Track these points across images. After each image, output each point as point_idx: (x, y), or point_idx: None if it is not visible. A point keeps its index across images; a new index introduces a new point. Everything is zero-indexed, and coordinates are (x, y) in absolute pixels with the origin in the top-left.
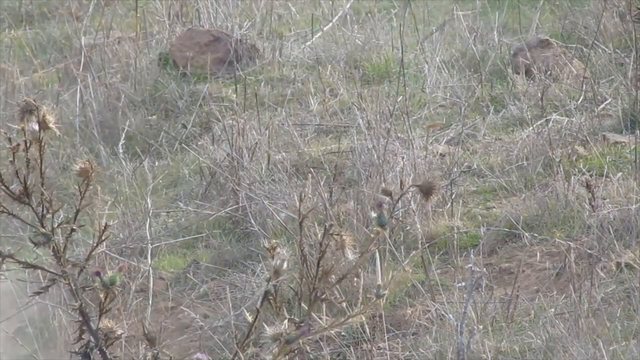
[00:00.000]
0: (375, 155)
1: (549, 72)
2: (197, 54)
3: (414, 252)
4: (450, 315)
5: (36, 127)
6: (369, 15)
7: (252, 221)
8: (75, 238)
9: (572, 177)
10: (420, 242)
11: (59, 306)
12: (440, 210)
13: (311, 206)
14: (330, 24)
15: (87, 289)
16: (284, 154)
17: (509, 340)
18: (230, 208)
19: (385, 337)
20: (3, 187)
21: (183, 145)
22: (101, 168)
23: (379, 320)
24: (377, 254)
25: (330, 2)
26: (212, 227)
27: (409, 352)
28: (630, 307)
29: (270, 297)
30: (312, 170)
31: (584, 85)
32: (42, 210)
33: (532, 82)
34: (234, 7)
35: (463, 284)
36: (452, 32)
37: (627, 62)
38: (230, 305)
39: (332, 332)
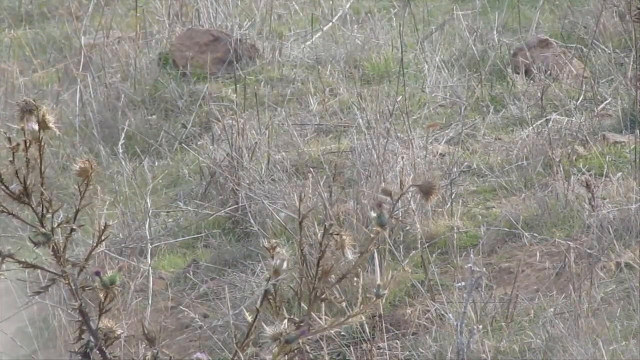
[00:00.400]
0: (375, 155)
1: (549, 72)
2: (197, 54)
3: (413, 252)
4: (450, 315)
5: (36, 127)
6: (369, 15)
7: (252, 221)
8: (75, 238)
9: (572, 177)
10: (420, 242)
11: (59, 306)
12: (440, 210)
13: (311, 206)
14: (330, 24)
15: (87, 289)
16: (284, 154)
17: (509, 340)
18: (230, 208)
19: (385, 337)
20: (3, 187)
21: (183, 145)
22: (101, 168)
23: (379, 320)
24: (377, 254)
25: (330, 2)
26: (212, 227)
27: (409, 352)
28: (630, 307)
29: (270, 297)
30: (312, 170)
31: (584, 85)
32: (42, 210)
33: (532, 82)
34: (234, 7)
35: (463, 284)
36: (452, 32)
37: (627, 62)
38: (230, 305)
39: (332, 332)
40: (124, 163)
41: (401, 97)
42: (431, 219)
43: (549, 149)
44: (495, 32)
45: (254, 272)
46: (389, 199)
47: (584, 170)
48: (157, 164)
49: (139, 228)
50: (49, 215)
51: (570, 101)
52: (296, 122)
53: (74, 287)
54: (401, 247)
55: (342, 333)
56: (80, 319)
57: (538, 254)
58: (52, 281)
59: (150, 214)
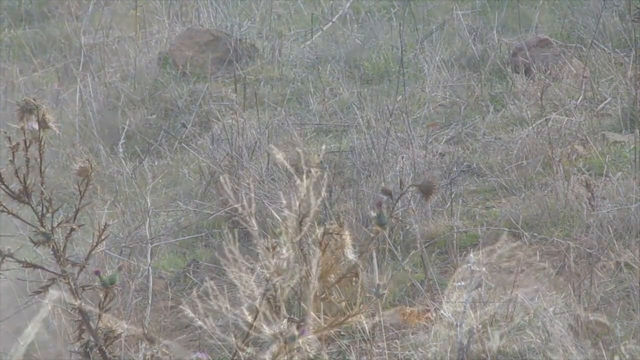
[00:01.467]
0: (375, 155)
1: (548, 71)
2: (196, 53)
3: (413, 251)
4: (450, 315)
5: (36, 127)
6: (369, 14)
7: (253, 221)
8: (75, 237)
9: (572, 177)
10: (419, 241)
11: (59, 305)
12: (440, 209)
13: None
14: (330, 23)
15: (86, 288)
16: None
17: (509, 340)
18: (230, 208)
19: (385, 337)
20: (3, 186)
21: (183, 144)
22: (101, 167)
23: (379, 320)
24: (376, 253)
25: (330, 2)
26: (212, 227)
27: (409, 351)
28: (629, 307)
29: (270, 297)
30: (311, 169)
31: (584, 85)
32: (42, 210)
33: (531, 81)
34: (233, 6)
35: (463, 283)
36: (452, 31)
37: (627, 61)
38: (230, 305)
39: (332, 331)
40: (123, 162)
41: (401, 96)
42: (431, 219)
43: (549, 148)
44: (494, 32)
45: (254, 271)
46: (388, 198)
47: (583, 169)
48: (156, 163)
49: (138, 227)
50: (48, 215)
51: (569, 100)
52: (296, 122)
53: (73, 287)
54: (400, 246)
55: (342, 333)
56: (80, 319)
57: (537, 254)
58: (52, 280)
59: (150, 214)
